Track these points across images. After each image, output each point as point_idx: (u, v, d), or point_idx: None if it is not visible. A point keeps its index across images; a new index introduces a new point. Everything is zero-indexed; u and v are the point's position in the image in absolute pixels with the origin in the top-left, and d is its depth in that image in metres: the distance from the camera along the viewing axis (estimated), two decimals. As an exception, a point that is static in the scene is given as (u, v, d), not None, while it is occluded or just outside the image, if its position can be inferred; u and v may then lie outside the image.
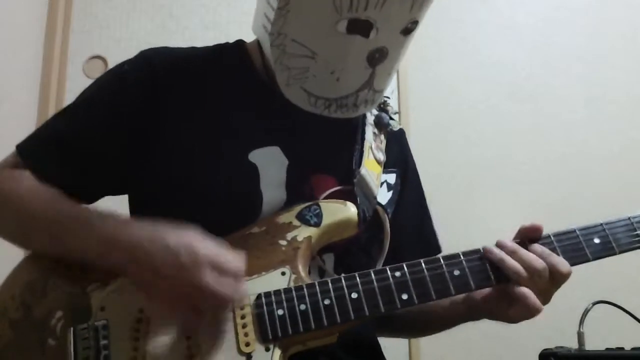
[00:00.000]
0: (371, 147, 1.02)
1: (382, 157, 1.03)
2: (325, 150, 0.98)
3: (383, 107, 1.09)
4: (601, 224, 0.89)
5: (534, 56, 2.29)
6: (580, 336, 1.16)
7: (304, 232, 0.89)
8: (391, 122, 1.09)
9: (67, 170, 0.94)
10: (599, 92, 2.25)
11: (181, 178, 0.93)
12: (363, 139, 1.02)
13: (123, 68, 0.99)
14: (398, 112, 1.15)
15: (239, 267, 0.80)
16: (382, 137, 1.06)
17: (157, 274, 0.78)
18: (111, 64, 2.15)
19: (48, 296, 0.88)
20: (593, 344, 1.15)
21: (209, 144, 0.94)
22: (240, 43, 1.06)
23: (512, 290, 0.84)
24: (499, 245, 0.87)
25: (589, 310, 1.17)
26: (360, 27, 0.87)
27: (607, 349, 1.10)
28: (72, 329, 0.83)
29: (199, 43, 1.07)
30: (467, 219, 2.06)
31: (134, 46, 2.27)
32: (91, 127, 0.96)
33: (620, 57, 2.28)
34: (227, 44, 1.06)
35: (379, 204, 1.01)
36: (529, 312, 0.84)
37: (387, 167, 1.05)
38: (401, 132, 1.14)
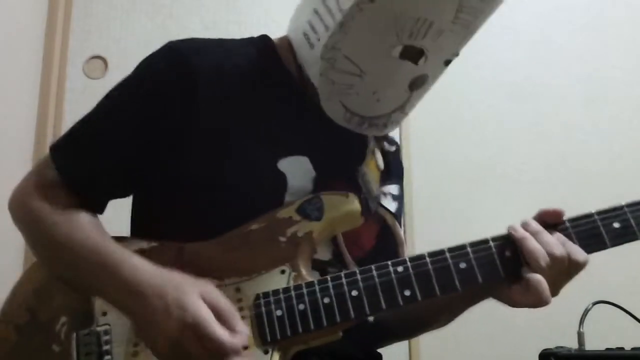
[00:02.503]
0: (373, 152, 1.02)
1: (381, 164, 1.04)
2: (344, 159, 0.97)
3: None
4: (622, 207, 0.84)
5: (533, 56, 2.29)
6: (580, 336, 1.16)
7: (304, 227, 0.86)
8: (385, 143, 1.09)
9: (99, 174, 0.92)
10: (599, 92, 2.25)
11: (207, 179, 0.90)
12: (366, 142, 1.02)
13: (155, 64, 0.94)
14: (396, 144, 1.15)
15: (226, 344, 0.74)
16: (379, 150, 1.06)
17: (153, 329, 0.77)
18: (111, 64, 2.16)
19: (53, 302, 0.87)
20: (593, 344, 1.15)
21: (240, 147, 0.90)
22: (268, 40, 1.01)
23: (526, 276, 0.81)
24: (523, 224, 0.84)
25: (589, 310, 1.17)
26: (412, 54, 0.88)
27: (607, 349, 1.10)
28: (75, 334, 0.83)
29: (199, 43, 1.05)
30: (467, 219, 2.06)
31: (134, 46, 2.28)
32: (123, 127, 0.92)
33: (620, 57, 2.28)
34: (253, 40, 1.01)
35: (389, 211, 1.01)
36: (539, 301, 0.80)
37: (389, 179, 1.05)
38: (397, 150, 1.14)
